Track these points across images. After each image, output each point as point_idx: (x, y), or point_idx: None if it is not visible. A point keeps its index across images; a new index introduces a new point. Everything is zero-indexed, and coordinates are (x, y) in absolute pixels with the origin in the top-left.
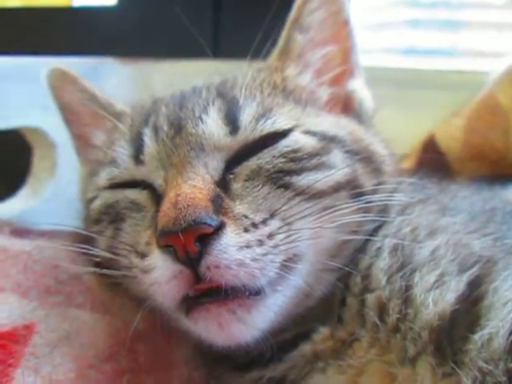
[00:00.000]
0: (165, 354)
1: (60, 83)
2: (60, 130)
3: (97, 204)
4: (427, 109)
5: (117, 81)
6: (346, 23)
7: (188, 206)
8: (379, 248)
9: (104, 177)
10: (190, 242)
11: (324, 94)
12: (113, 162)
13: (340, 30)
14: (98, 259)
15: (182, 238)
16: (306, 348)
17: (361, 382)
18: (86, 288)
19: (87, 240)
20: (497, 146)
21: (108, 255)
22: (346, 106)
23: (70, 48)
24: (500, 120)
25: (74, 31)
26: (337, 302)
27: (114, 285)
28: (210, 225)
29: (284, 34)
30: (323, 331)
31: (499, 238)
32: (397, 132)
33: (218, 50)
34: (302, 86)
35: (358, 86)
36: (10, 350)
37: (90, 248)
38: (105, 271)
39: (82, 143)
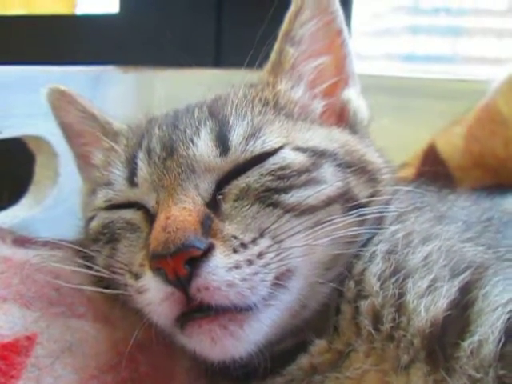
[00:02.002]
0: (165, 365)
1: (59, 103)
2: (62, 139)
3: (94, 224)
4: (428, 117)
5: (119, 89)
6: (339, 32)
7: (177, 229)
8: (373, 253)
9: (101, 198)
10: (179, 265)
11: (318, 106)
12: (109, 184)
13: (333, 39)
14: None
15: (170, 261)
16: (303, 361)
17: None
18: (87, 298)
19: (87, 256)
20: (497, 154)
21: (106, 274)
22: (341, 116)
23: (73, 56)
24: (501, 129)
25: (77, 39)
26: (332, 311)
27: (114, 297)
28: (198, 248)
29: (276, 47)
30: (320, 343)
31: (492, 246)
32: (397, 140)
33: (220, 59)
34: (294, 100)
35: (353, 96)
36: (12, 362)
37: (90, 265)
38: (103, 290)
39: (83, 162)
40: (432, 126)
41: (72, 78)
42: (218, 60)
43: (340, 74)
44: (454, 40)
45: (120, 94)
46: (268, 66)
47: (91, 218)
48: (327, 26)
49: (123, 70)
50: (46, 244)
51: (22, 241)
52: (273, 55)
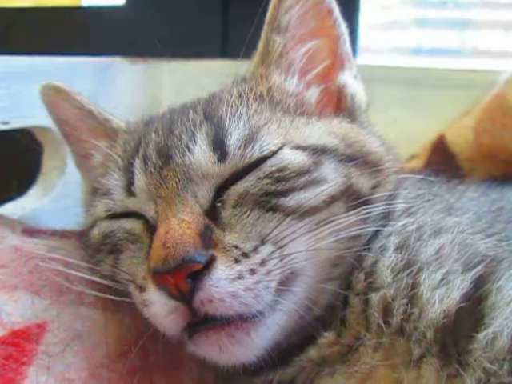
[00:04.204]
0: (175, 354)
1: (54, 100)
2: None
3: (95, 233)
4: (437, 108)
5: (126, 80)
6: (329, 13)
7: (176, 244)
8: (384, 245)
9: (100, 208)
10: (181, 280)
11: (313, 94)
12: (107, 194)
13: (324, 20)
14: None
15: (172, 278)
16: (312, 352)
17: None
18: (96, 288)
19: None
20: (508, 146)
21: (110, 283)
22: (339, 102)
23: (80, 47)
24: (511, 120)
25: (84, 31)
26: (340, 304)
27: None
28: (199, 262)
29: (262, 36)
30: (328, 336)
31: (504, 238)
32: (407, 131)
33: (227, 49)
34: (289, 92)
35: (349, 79)
36: (23, 349)
37: (89, 275)
38: (109, 296)
39: (82, 159)
40: (442, 117)
41: (80, 69)
42: (225, 50)
43: (334, 56)
44: (462, 33)
45: (128, 85)
46: (256, 57)
47: (92, 226)
48: (315, 8)
49: (131, 61)
50: (55, 233)
51: (31, 231)
52: (260, 46)
